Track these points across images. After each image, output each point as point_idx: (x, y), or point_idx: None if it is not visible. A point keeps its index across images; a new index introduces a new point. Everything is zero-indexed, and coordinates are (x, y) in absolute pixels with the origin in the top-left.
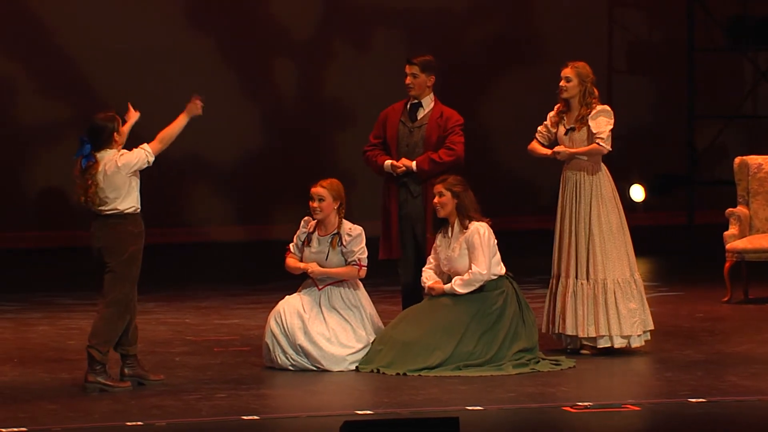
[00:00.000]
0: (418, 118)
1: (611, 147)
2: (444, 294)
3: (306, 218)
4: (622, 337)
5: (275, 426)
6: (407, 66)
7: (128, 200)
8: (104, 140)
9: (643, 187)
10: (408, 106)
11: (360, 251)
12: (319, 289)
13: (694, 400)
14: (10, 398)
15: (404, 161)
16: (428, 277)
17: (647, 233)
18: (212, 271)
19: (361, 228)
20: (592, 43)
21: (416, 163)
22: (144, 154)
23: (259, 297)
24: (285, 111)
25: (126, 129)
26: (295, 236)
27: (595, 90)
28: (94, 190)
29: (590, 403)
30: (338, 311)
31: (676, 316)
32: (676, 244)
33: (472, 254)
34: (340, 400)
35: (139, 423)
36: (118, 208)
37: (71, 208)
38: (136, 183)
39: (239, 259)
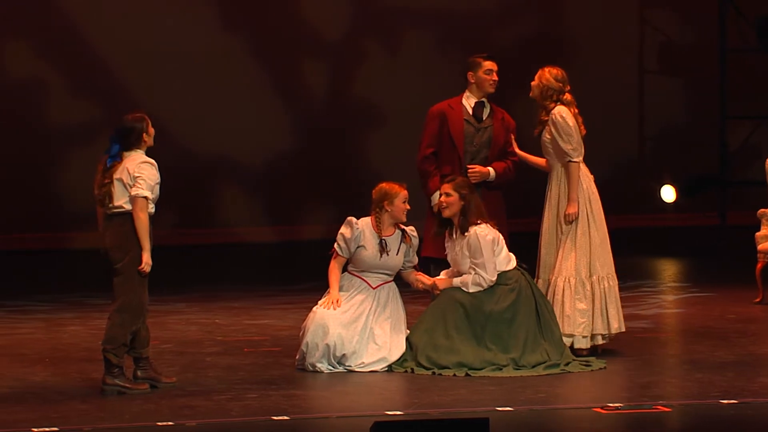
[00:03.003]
0: (483, 118)
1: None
2: (452, 287)
3: (352, 219)
4: (565, 335)
5: (305, 426)
6: (493, 62)
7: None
8: (133, 141)
9: (675, 187)
10: (473, 104)
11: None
12: (374, 288)
13: (725, 401)
14: (41, 398)
15: (479, 168)
16: (439, 274)
17: (679, 234)
18: (242, 271)
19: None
20: (623, 44)
21: (494, 171)
22: (144, 191)
23: (289, 297)
24: (315, 112)
25: None
26: (339, 236)
27: (567, 96)
28: (108, 189)
29: (621, 405)
30: (388, 312)
31: (708, 318)
32: (708, 245)
33: (477, 260)
34: (369, 400)
35: (170, 423)
36: (125, 207)
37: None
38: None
39: (269, 259)
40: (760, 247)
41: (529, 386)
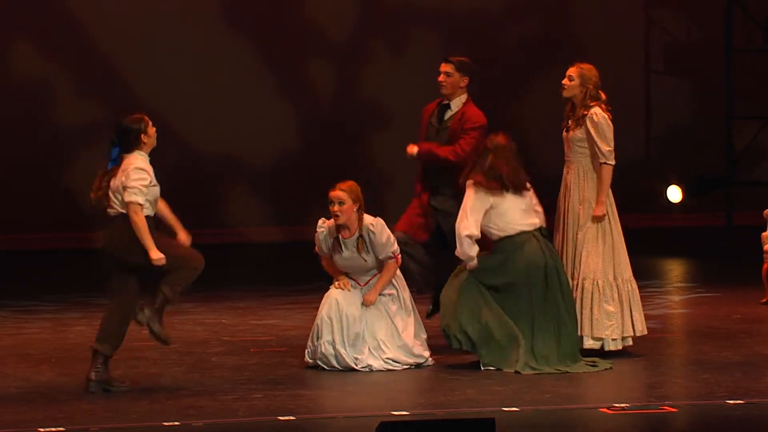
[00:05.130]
0: (445, 119)
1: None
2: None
3: (321, 220)
4: (594, 338)
5: (311, 426)
6: (443, 63)
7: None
8: (132, 142)
9: (680, 188)
10: (439, 106)
11: (389, 243)
12: (362, 286)
13: (732, 401)
14: (48, 398)
15: (410, 148)
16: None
17: (685, 234)
18: (249, 271)
19: (379, 218)
20: (629, 44)
21: (418, 150)
22: (136, 196)
23: (295, 298)
24: (321, 112)
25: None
26: (316, 239)
27: (602, 95)
28: (106, 191)
29: (627, 405)
30: (382, 309)
31: (714, 318)
32: (714, 246)
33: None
34: (376, 400)
35: (176, 423)
36: (123, 210)
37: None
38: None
39: (276, 259)
40: (766, 247)
41: (535, 386)
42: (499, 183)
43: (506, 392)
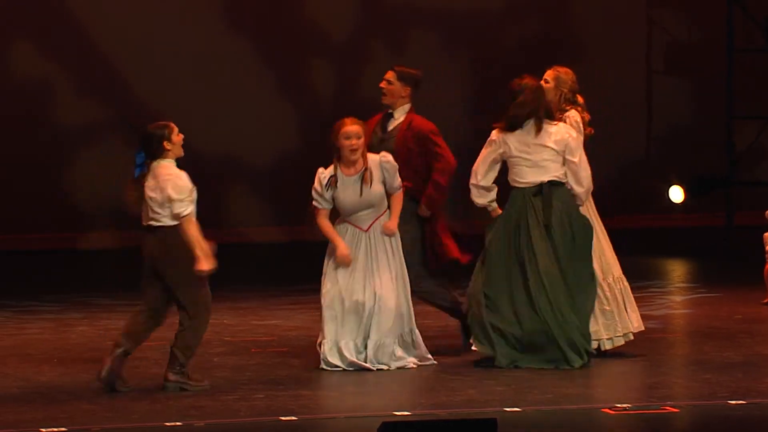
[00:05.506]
0: (389, 129)
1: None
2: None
3: (320, 170)
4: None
5: (313, 426)
6: (387, 72)
7: (166, 217)
8: (155, 149)
9: (682, 188)
10: (384, 115)
11: (397, 175)
12: (366, 231)
13: (733, 402)
14: (49, 398)
15: (421, 210)
16: None
17: (686, 235)
18: (250, 271)
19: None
20: (630, 44)
21: (426, 208)
22: (185, 208)
23: (296, 298)
24: (321, 112)
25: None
26: (314, 191)
27: (580, 98)
28: (139, 201)
29: (629, 405)
30: (383, 258)
31: (715, 318)
32: (715, 246)
33: None
34: (377, 400)
35: (178, 423)
36: (164, 222)
37: (109, 210)
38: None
39: (277, 259)
40: (767, 247)
41: (537, 386)
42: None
43: (508, 392)
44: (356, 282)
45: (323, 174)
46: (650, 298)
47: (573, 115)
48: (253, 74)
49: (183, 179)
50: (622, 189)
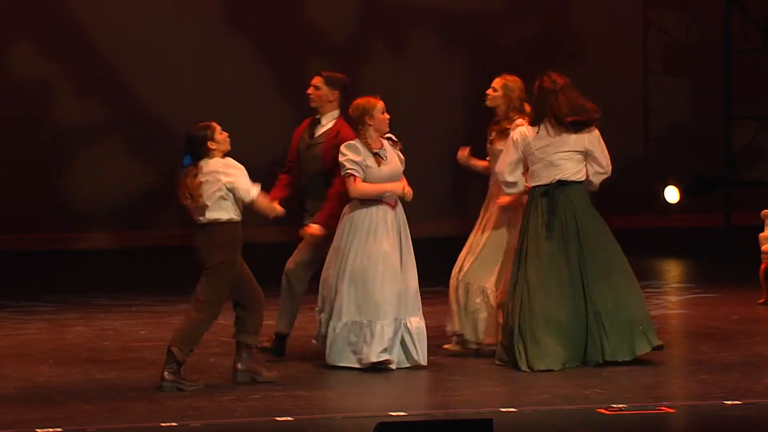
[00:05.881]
0: (316, 135)
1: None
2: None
3: (351, 144)
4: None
5: (309, 427)
6: (314, 77)
7: (219, 211)
8: (199, 150)
9: (678, 188)
10: (311, 121)
11: None
12: (394, 207)
13: (729, 402)
14: (46, 399)
15: (310, 230)
16: None
17: (683, 235)
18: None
19: None
20: (628, 44)
21: (320, 228)
22: (248, 191)
23: None
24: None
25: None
26: (349, 162)
27: (527, 107)
28: (189, 198)
29: (624, 406)
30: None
31: (712, 318)
32: (713, 246)
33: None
34: (374, 401)
35: (174, 424)
36: (210, 217)
37: (108, 210)
38: (231, 196)
39: (276, 260)
40: (764, 247)
41: (533, 387)
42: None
43: (504, 393)
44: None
45: (357, 146)
46: (647, 298)
47: (519, 123)
48: (253, 74)
49: (233, 166)
50: (621, 189)
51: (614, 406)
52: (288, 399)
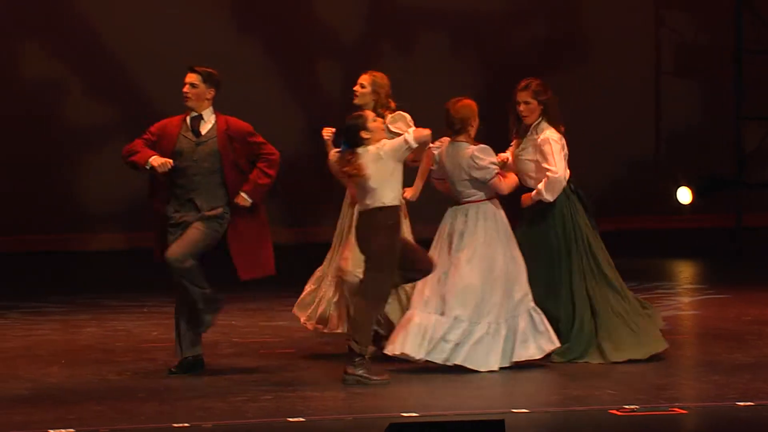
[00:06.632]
0: (203, 132)
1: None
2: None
3: (485, 147)
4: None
5: (321, 428)
6: (188, 74)
7: (382, 194)
8: (354, 138)
9: (690, 189)
10: (188, 120)
11: None
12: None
13: (742, 403)
14: (57, 399)
15: (241, 199)
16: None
17: (695, 236)
18: None
19: None
20: (638, 45)
21: (248, 196)
22: (403, 140)
23: None
24: (331, 113)
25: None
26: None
27: (391, 103)
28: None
29: (636, 407)
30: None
31: (724, 319)
32: (724, 247)
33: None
34: (385, 402)
35: (186, 425)
36: (367, 202)
37: (119, 211)
38: (396, 176)
39: (286, 261)
40: None
41: (545, 388)
42: None
43: (515, 394)
44: None
45: (489, 149)
46: (659, 299)
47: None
48: (261, 76)
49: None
50: (631, 190)
51: (626, 407)
52: (300, 400)
